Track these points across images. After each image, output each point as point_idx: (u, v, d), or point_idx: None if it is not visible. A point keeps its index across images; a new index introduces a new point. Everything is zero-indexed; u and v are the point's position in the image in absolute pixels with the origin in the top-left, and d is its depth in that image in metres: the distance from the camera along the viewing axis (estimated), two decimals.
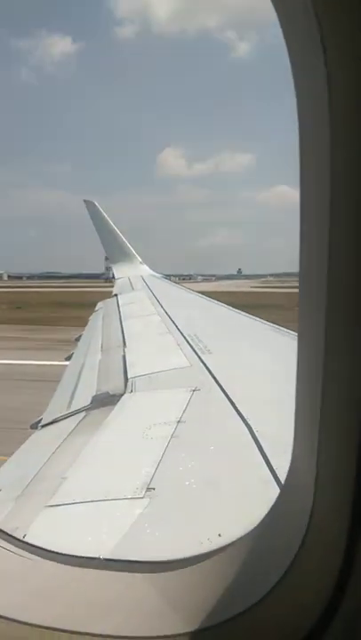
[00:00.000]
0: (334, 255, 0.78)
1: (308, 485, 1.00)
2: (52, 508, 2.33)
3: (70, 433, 3.53)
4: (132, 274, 17.94)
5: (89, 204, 21.81)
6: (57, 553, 1.78)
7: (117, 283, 17.07)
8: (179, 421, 3.22)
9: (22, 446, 3.73)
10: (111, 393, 4.22)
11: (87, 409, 4.08)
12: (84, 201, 22.20)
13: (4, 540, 1.66)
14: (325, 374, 0.85)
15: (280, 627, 1.08)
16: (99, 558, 1.77)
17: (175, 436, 2.98)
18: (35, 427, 4.42)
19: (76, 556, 1.78)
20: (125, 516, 2.14)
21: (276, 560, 1.08)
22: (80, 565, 1.67)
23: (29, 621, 1.18)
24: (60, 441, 3.37)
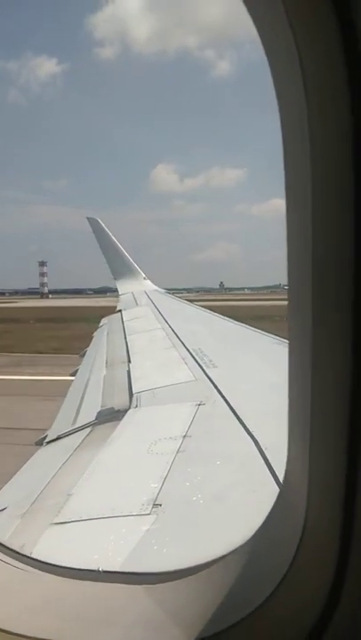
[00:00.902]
0: (318, 268, 0.78)
1: (301, 492, 1.00)
2: (58, 526, 2.31)
3: (75, 449, 3.52)
4: (136, 289, 18.04)
5: (92, 221, 22.02)
6: (56, 566, 1.77)
7: (121, 298, 17.14)
8: (184, 436, 3.20)
9: (27, 463, 3.71)
10: (116, 408, 4.22)
11: (92, 425, 4.07)
12: (87, 218, 22.44)
13: (3, 552, 1.65)
14: (313, 381, 0.85)
15: (279, 632, 1.07)
16: (97, 570, 1.76)
17: (181, 451, 2.96)
18: (40, 443, 4.41)
19: (76, 569, 1.77)
20: (132, 533, 2.13)
21: (273, 566, 1.07)
22: (79, 578, 1.66)
23: (28, 634, 1.17)
24: (65, 457, 3.36)
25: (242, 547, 1.37)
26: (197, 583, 1.38)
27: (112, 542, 2.09)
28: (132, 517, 2.28)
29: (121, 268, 21.03)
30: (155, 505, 2.35)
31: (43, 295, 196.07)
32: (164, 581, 1.51)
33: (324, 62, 0.71)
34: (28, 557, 1.81)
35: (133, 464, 3.04)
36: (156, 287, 20.30)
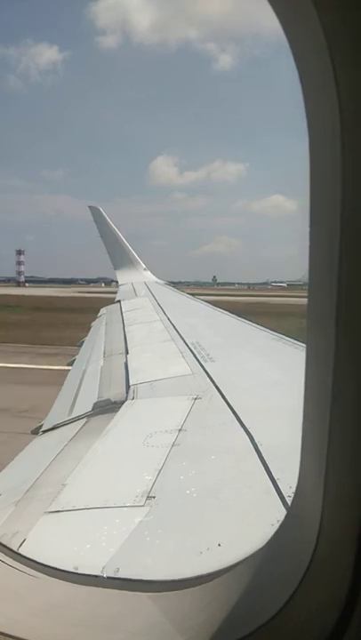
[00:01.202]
0: (345, 265, 0.76)
1: (315, 509, 0.98)
2: (51, 515, 2.32)
3: (71, 439, 3.53)
4: (136, 280, 18.00)
5: (93, 210, 21.89)
6: (60, 570, 1.77)
7: (121, 289, 17.10)
8: (180, 429, 3.21)
9: (23, 451, 3.72)
10: (113, 400, 4.22)
11: (88, 415, 4.08)
12: (89, 207, 22.29)
13: (6, 555, 1.65)
14: (334, 394, 0.83)
15: None
16: (102, 577, 1.76)
17: (176, 445, 2.97)
18: (35, 432, 4.42)
19: (79, 574, 1.76)
20: (125, 524, 2.13)
21: (282, 583, 1.06)
22: (83, 583, 1.66)
23: (31, 639, 1.17)
24: (60, 447, 3.37)
25: (250, 557, 1.36)
26: (204, 593, 1.37)
27: (105, 533, 2.10)
28: (125, 508, 2.29)
29: (121, 258, 20.94)
30: (149, 497, 2.36)
31: (20, 283, 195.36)
32: (169, 590, 1.50)
33: (355, 57, 0.68)
34: (33, 561, 1.82)
35: (128, 456, 3.05)
36: (156, 278, 20.24)
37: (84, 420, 3.99)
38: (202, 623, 1.19)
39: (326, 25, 0.69)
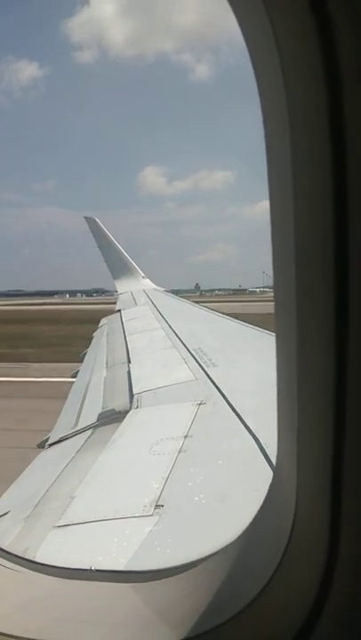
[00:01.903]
0: (301, 262, 0.79)
1: (290, 488, 1.00)
2: (60, 529, 2.32)
3: (77, 451, 3.52)
4: (135, 288, 17.99)
5: (90, 221, 21.87)
6: (46, 565, 1.77)
7: (120, 298, 17.09)
8: (186, 436, 3.20)
9: (30, 466, 3.72)
10: (117, 410, 4.21)
11: (94, 427, 4.07)
12: (85, 217, 22.25)
13: None
14: (299, 375, 0.85)
15: (269, 629, 1.08)
16: (89, 569, 1.76)
17: (183, 451, 2.96)
18: (42, 446, 4.41)
19: (66, 568, 1.77)
20: (135, 535, 2.13)
21: (263, 564, 1.08)
22: (69, 577, 1.66)
23: (17, 634, 1.18)
24: (67, 460, 3.36)
25: (232, 544, 1.37)
26: (186, 581, 1.38)
27: (115, 545, 2.10)
28: (134, 519, 2.28)
29: (119, 268, 20.92)
30: (157, 506, 2.35)
31: None
32: (153, 579, 1.51)
33: (303, 60, 0.71)
34: (19, 557, 1.82)
35: (135, 465, 3.05)
36: (155, 286, 20.24)
37: (90, 431, 3.99)
38: (186, 610, 1.20)
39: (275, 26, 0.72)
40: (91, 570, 1.77)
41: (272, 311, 0.93)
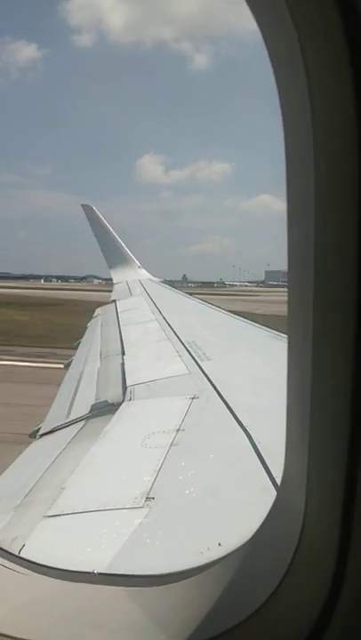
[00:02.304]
0: (320, 268, 0.78)
1: (299, 496, 0.99)
2: (50, 519, 2.32)
3: (69, 442, 3.52)
4: (131, 278, 17.87)
5: (86, 209, 21.56)
6: (50, 567, 1.77)
7: (116, 288, 16.99)
8: (178, 429, 3.21)
9: (21, 455, 3.72)
10: (110, 401, 4.21)
11: (86, 418, 4.07)
12: (82, 205, 21.90)
13: None
14: (313, 385, 0.84)
15: (273, 639, 1.07)
16: (93, 573, 1.76)
17: (174, 445, 2.97)
18: (33, 436, 4.41)
19: (70, 571, 1.77)
20: (125, 526, 2.13)
21: (270, 572, 1.07)
22: (73, 580, 1.66)
23: (15, 635, 1.17)
24: (59, 450, 3.36)
25: (237, 551, 1.37)
26: (190, 587, 1.38)
27: (105, 536, 2.10)
28: (125, 510, 2.29)
29: (115, 257, 20.68)
30: (148, 498, 2.36)
31: None
32: (156, 584, 1.51)
33: (327, 59, 0.69)
34: (23, 559, 1.82)
35: (127, 457, 3.05)
36: (150, 276, 20.13)
37: (82, 422, 3.99)
38: (188, 617, 1.20)
39: (299, 23, 0.70)
40: (93, 573, 1.77)
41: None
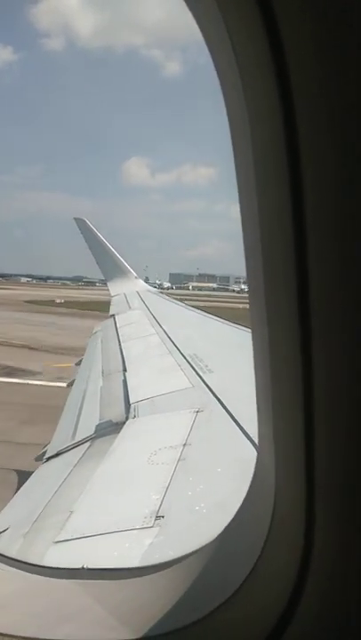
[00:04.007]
0: (267, 259, 0.83)
1: (270, 477, 1.02)
2: (60, 544, 2.30)
3: (75, 465, 3.50)
4: (128, 290, 17.74)
5: (79, 222, 21.36)
6: (26, 563, 1.77)
7: (113, 301, 16.91)
8: (184, 444, 3.19)
9: (28, 481, 3.70)
10: (114, 421, 4.20)
11: (91, 439, 4.05)
12: (75, 219, 21.74)
13: None
14: (272, 364, 0.89)
15: (245, 627, 1.10)
16: (61, 568, 1.77)
17: (182, 460, 2.95)
18: (40, 459, 4.39)
19: (44, 567, 1.77)
20: (135, 548, 2.11)
21: (247, 552, 1.10)
22: (49, 575, 1.67)
23: None
24: (65, 474, 3.34)
25: (219, 535, 1.39)
26: (174, 575, 1.40)
27: (116, 559, 2.08)
28: (135, 531, 2.27)
29: (111, 269, 20.47)
30: (157, 517, 2.34)
31: None
32: (141, 575, 1.52)
33: (255, 58, 0.73)
34: (4, 556, 1.82)
35: (134, 476, 3.03)
36: (148, 287, 20.04)
37: (88, 443, 3.97)
38: (172, 604, 1.22)
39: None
40: (83, 568, 1.79)
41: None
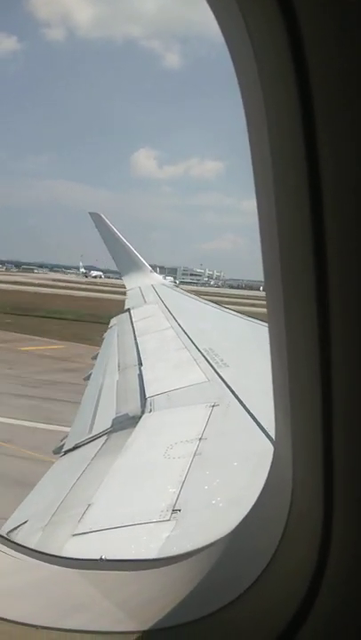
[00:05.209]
0: (285, 258, 0.83)
1: (287, 471, 1.02)
2: (78, 537, 2.32)
3: (93, 458, 3.53)
4: (143, 284, 17.72)
5: (94, 217, 21.31)
6: (44, 554, 1.79)
7: (129, 294, 16.89)
8: (200, 438, 3.20)
9: (46, 474, 3.74)
10: (131, 415, 4.22)
11: (108, 432, 4.08)
12: (89, 213, 21.63)
13: None
14: (289, 359, 0.89)
15: (257, 624, 1.09)
16: (78, 559, 1.79)
17: (198, 454, 2.96)
18: (57, 452, 4.43)
19: (62, 557, 1.79)
20: (152, 541, 2.13)
21: (265, 545, 1.09)
22: (66, 566, 1.69)
23: (4, 617, 1.20)
24: (83, 467, 3.37)
25: (235, 528, 1.39)
26: (191, 567, 1.40)
27: (133, 552, 2.10)
28: (151, 525, 2.29)
29: (126, 263, 20.49)
30: (174, 510, 2.35)
31: None
32: (157, 567, 1.53)
33: (274, 60, 0.73)
34: (22, 546, 1.84)
35: (151, 470, 3.05)
36: (163, 280, 19.96)
37: (105, 437, 4.00)
38: (188, 595, 1.22)
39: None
40: (80, 559, 1.81)
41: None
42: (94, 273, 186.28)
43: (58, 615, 1.26)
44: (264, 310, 1.01)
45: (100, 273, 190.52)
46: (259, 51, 0.75)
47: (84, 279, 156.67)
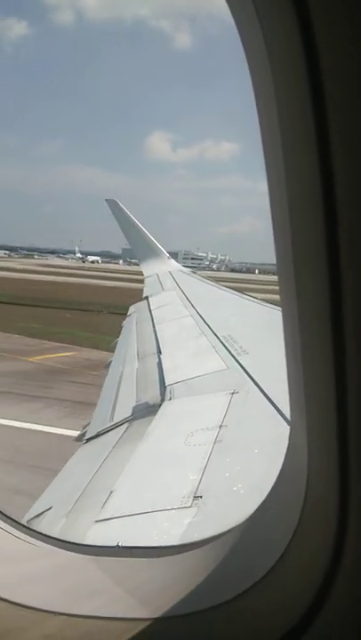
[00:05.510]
0: (297, 242, 0.83)
1: (301, 471, 1.01)
2: (101, 523, 2.36)
3: (114, 446, 3.58)
4: (161, 270, 17.66)
5: (111, 203, 21.21)
6: (60, 540, 1.82)
7: (147, 281, 16.88)
8: (220, 426, 3.21)
9: (69, 461, 3.80)
10: (151, 403, 4.25)
11: (129, 420, 4.12)
12: (106, 200, 21.56)
13: (8, 524, 1.72)
14: (303, 348, 0.89)
15: (271, 613, 1.09)
16: (95, 545, 1.80)
17: (218, 441, 2.98)
18: (79, 439, 4.50)
19: (76, 544, 1.81)
20: (174, 527, 2.15)
21: (280, 535, 1.09)
22: (83, 552, 1.71)
23: (20, 602, 1.21)
24: (105, 454, 3.42)
25: (249, 517, 1.39)
26: (204, 555, 1.41)
27: (155, 537, 2.13)
28: (173, 511, 2.31)
29: (144, 250, 20.44)
30: (195, 497, 2.37)
31: None
32: (163, 555, 1.55)
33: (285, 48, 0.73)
34: (39, 533, 1.87)
35: (171, 457, 3.07)
36: (180, 267, 19.90)
37: (126, 425, 4.04)
38: (200, 583, 1.23)
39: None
40: (95, 545, 1.83)
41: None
42: (91, 258, 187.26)
43: (73, 601, 1.28)
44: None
45: (98, 258, 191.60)
46: (268, 34, 0.75)
47: (83, 264, 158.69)
